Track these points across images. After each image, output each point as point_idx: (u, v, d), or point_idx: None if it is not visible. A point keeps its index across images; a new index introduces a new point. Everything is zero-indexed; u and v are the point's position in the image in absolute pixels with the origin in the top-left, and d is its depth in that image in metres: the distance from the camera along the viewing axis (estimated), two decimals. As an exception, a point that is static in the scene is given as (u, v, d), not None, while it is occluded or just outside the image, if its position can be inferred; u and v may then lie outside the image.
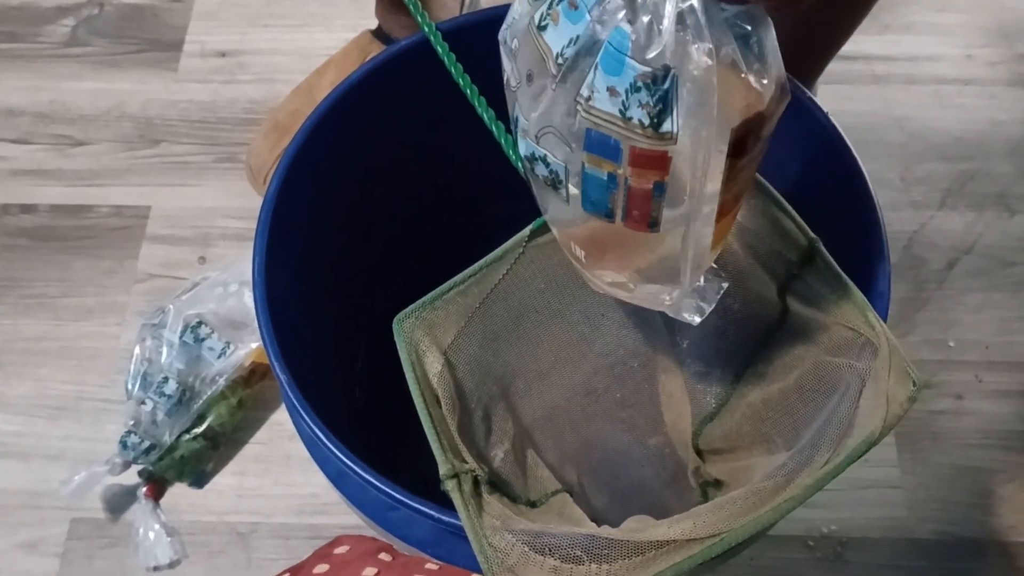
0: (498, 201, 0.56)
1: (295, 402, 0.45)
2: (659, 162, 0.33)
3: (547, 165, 0.36)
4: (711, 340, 0.53)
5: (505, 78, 0.37)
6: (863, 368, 0.44)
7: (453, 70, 0.47)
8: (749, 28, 0.32)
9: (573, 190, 0.36)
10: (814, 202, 0.47)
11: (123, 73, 1.04)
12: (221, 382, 0.79)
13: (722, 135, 0.32)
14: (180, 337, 0.79)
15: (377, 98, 0.55)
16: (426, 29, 0.49)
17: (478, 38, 0.46)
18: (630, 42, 0.31)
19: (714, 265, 0.43)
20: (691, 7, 0.30)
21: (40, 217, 0.94)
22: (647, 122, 0.32)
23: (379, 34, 0.94)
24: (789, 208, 0.46)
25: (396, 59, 0.55)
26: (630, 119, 0.32)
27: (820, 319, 0.47)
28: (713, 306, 0.42)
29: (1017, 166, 0.95)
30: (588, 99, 0.32)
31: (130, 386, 0.78)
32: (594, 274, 0.42)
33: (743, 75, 0.32)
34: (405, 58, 0.55)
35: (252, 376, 0.81)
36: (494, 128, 0.46)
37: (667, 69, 0.31)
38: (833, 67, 0.85)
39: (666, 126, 0.32)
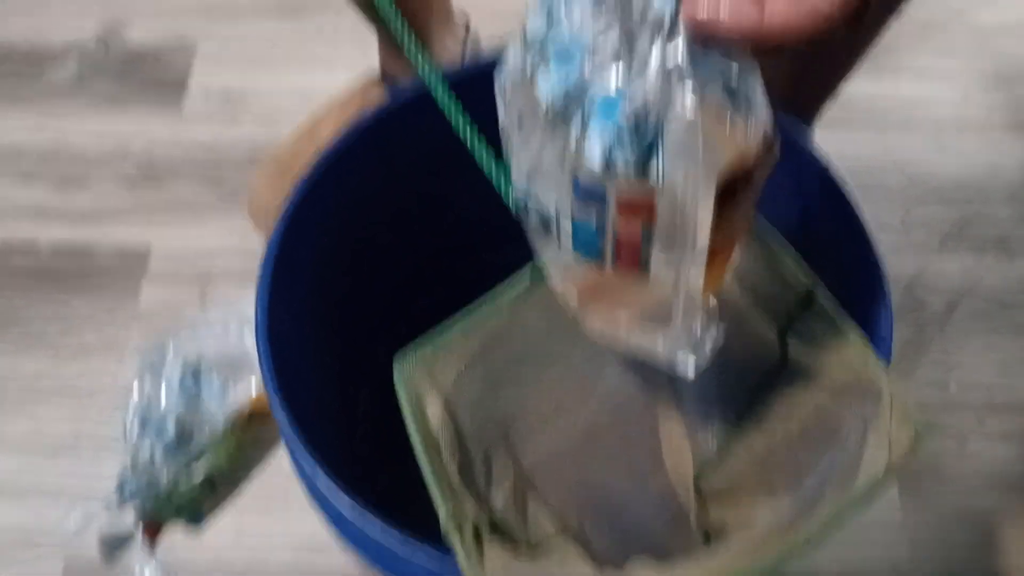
0: (498, 247, 0.56)
1: (295, 445, 0.44)
2: (645, 208, 0.33)
3: (539, 209, 0.36)
4: (711, 383, 0.53)
5: (500, 123, 0.37)
6: (866, 413, 0.44)
7: (454, 118, 0.48)
8: (735, 76, 0.32)
9: (564, 234, 0.36)
10: (814, 246, 0.47)
11: (127, 114, 1.05)
12: (220, 423, 0.78)
13: (708, 181, 0.32)
14: (180, 377, 0.78)
15: (381, 144, 0.56)
16: (428, 79, 0.49)
17: (477, 87, 0.46)
18: (623, 93, 0.31)
19: (713, 302, 0.43)
20: (677, 57, 0.30)
21: (41, 256, 0.94)
22: (631, 168, 0.32)
23: (382, 76, 0.95)
24: (789, 250, 0.46)
25: (400, 107, 0.56)
26: (614, 165, 0.32)
27: (821, 363, 0.47)
28: (708, 359, 0.42)
29: (1016, 210, 0.95)
30: (577, 146, 0.32)
31: (128, 427, 0.77)
32: (587, 320, 0.42)
33: (728, 122, 0.32)
34: (409, 106, 0.56)
35: (251, 417, 0.81)
36: (494, 175, 0.47)
37: (649, 115, 0.31)
38: (832, 110, 0.86)
39: (651, 172, 0.32)
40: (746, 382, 0.51)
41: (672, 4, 0.30)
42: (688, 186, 0.32)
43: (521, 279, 0.48)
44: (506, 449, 0.51)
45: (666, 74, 0.30)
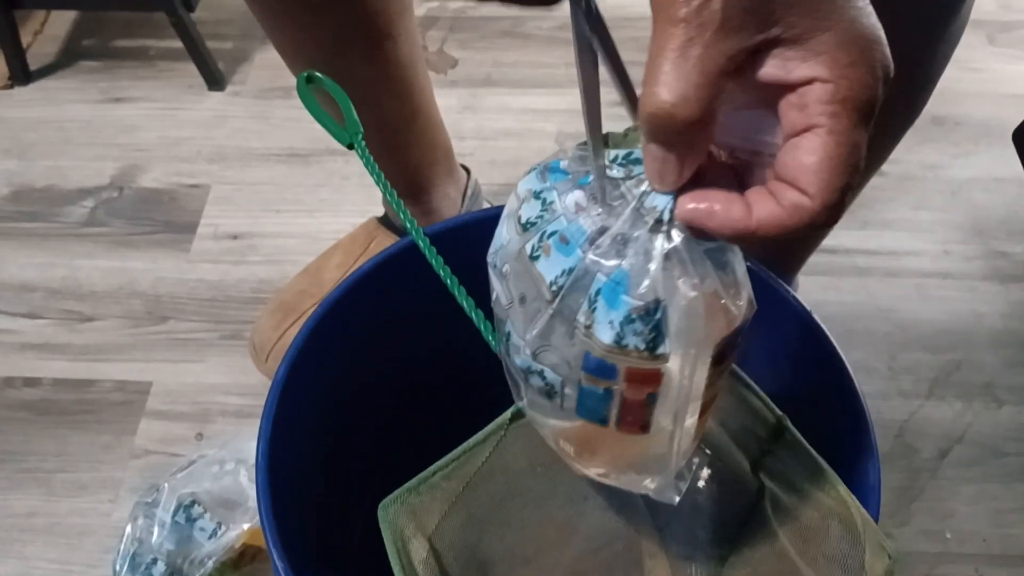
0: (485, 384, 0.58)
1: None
2: (652, 378, 0.36)
3: (544, 378, 0.38)
4: (692, 520, 0.53)
5: (494, 296, 0.40)
6: (841, 543, 0.45)
7: (444, 276, 0.51)
8: (724, 258, 0.35)
9: (568, 399, 0.38)
10: (801, 398, 0.49)
11: (136, 252, 1.08)
12: (210, 564, 0.77)
13: (707, 350, 0.35)
14: (172, 516, 0.78)
15: (382, 289, 0.58)
16: (413, 233, 0.53)
17: (466, 237, 0.49)
18: (628, 281, 0.34)
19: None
20: (675, 247, 0.33)
21: (43, 390, 0.96)
22: (643, 347, 0.34)
23: (385, 221, 0.98)
24: (755, 387, 0.48)
25: (404, 247, 0.59)
26: (626, 346, 0.34)
27: (795, 494, 0.48)
28: (688, 482, 0.43)
29: (1001, 357, 0.97)
30: (588, 327, 0.35)
31: (118, 567, 0.76)
32: (580, 467, 0.44)
33: (723, 300, 0.35)
34: (412, 247, 0.59)
35: (241, 558, 0.80)
36: (480, 325, 0.49)
37: (658, 302, 0.34)
38: (816, 259, 0.90)
39: (660, 349, 0.35)
40: (727, 517, 0.52)
41: (668, 202, 0.33)
42: (691, 358, 0.35)
43: (500, 421, 0.49)
44: (492, 593, 0.51)
45: (668, 265, 0.34)
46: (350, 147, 0.57)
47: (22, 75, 1.27)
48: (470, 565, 0.49)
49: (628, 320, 0.34)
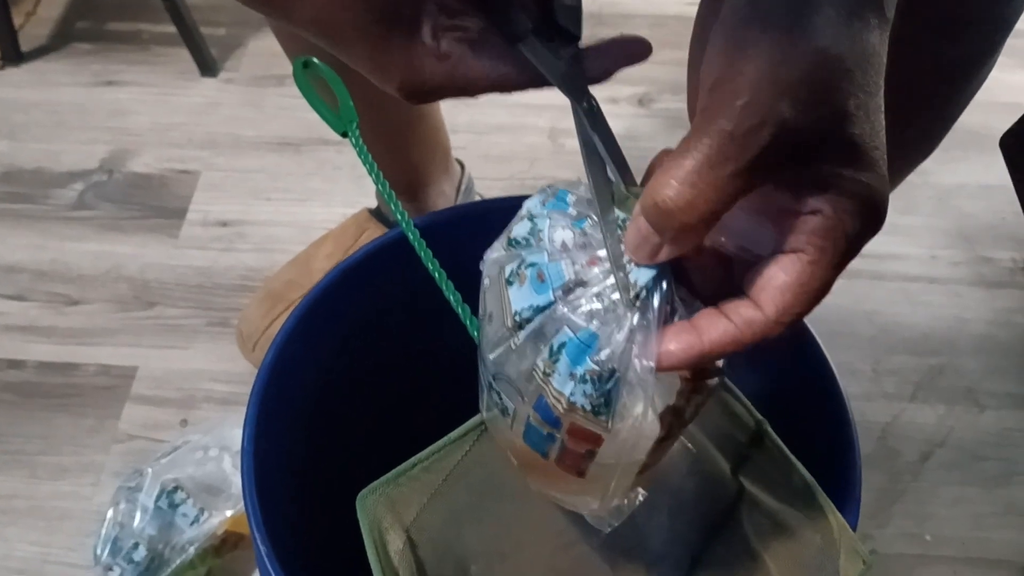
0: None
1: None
2: (593, 438, 0.36)
3: (500, 398, 0.38)
4: (668, 520, 0.54)
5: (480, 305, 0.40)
6: (816, 549, 0.45)
7: (433, 271, 0.51)
8: None
9: (518, 426, 0.38)
10: (786, 401, 0.49)
11: (125, 237, 1.08)
12: (191, 551, 0.77)
13: (652, 427, 0.36)
14: (155, 501, 0.78)
15: (371, 279, 0.58)
16: (403, 225, 0.53)
17: (457, 229, 0.49)
18: (596, 343, 0.34)
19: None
20: (644, 324, 0.33)
21: (27, 373, 0.95)
22: (588, 408, 0.35)
23: (376, 213, 0.98)
24: (736, 391, 0.49)
25: (394, 239, 0.59)
26: (574, 404, 0.35)
27: (772, 499, 0.48)
28: (626, 516, 0.44)
29: (984, 363, 0.98)
30: (547, 375, 0.35)
31: (99, 551, 0.76)
32: (525, 478, 0.44)
33: (676, 382, 0.35)
34: (401, 239, 0.59)
35: (223, 545, 0.80)
36: (466, 322, 0.49)
37: (613, 371, 0.34)
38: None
39: (603, 416, 0.35)
40: (703, 519, 0.52)
41: (649, 280, 0.33)
42: (634, 429, 0.36)
43: (481, 417, 0.49)
44: (467, 585, 0.51)
45: (630, 341, 0.34)
46: (344, 135, 0.56)
47: (14, 56, 1.26)
48: (446, 558, 0.49)
49: (581, 380, 0.34)
